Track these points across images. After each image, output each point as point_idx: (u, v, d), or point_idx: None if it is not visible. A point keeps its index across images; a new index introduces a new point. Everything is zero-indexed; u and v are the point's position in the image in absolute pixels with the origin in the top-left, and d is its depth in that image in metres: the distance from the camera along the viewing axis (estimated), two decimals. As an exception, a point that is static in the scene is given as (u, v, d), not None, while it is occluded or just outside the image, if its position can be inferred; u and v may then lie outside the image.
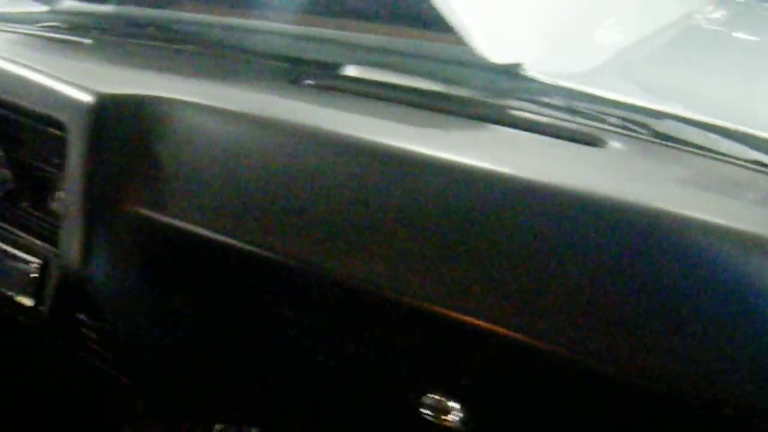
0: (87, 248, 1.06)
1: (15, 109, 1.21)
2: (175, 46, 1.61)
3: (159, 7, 1.75)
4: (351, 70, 1.36)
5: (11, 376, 1.63)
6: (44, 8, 1.85)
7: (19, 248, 1.48)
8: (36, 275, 1.45)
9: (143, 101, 1.09)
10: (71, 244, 1.06)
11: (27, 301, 1.46)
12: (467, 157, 1.01)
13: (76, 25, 1.72)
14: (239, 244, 1.02)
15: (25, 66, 1.23)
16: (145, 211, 1.07)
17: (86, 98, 1.09)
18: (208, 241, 1.04)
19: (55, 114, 1.11)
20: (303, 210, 1.04)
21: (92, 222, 1.05)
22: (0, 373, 1.66)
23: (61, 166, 1.37)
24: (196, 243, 1.04)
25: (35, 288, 1.45)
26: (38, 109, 1.14)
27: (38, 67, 1.23)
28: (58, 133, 1.19)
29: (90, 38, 1.61)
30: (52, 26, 1.70)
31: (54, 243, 1.40)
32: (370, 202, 1.03)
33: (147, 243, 1.06)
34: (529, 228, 0.94)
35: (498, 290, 0.94)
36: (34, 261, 1.45)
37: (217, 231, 1.04)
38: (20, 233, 1.47)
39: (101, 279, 1.06)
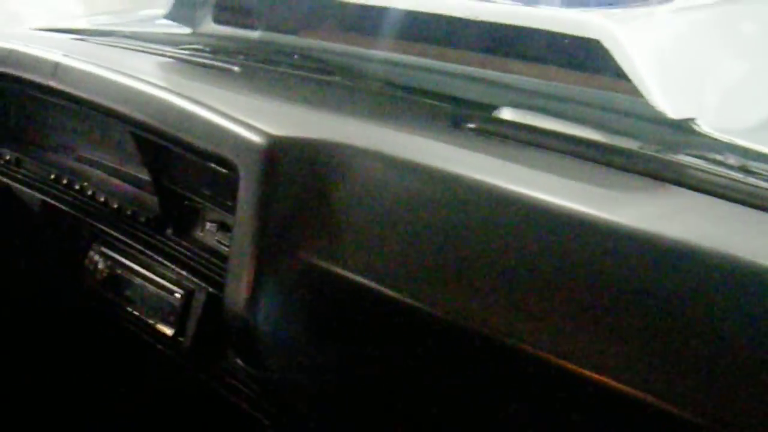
0: (252, 292, 1.03)
1: (177, 142, 1.19)
2: (319, 77, 1.58)
3: (304, 35, 1.70)
4: (513, 114, 1.30)
5: (143, 401, 1.61)
6: (186, 30, 1.83)
7: (163, 277, 1.45)
8: (179, 306, 1.42)
9: (316, 145, 1.07)
10: (237, 286, 1.03)
11: (167, 330, 1.44)
12: (641, 221, 0.96)
13: (219, 49, 1.70)
14: (406, 299, 0.98)
15: (190, 99, 1.21)
16: (311, 258, 1.03)
17: (261, 141, 1.07)
18: (373, 292, 1.00)
19: (227, 155, 1.08)
20: (469, 267, 1.00)
21: (260, 266, 1.02)
22: (132, 395, 1.62)
23: (214, 200, 1.35)
24: (360, 293, 1.01)
25: (177, 318, 1.42)
26: (208, 147, 1.11)
27: (204, 101, 1.20)
28: (223, 171, 1.15)
29: (235, 64, 1.60)
30: (196, 49, 1.68)
31: (197, 274, 1.42)
32: (542, 263, 0.98)
33: (311, 289, 1.04)
34: (711, 303, 0.88)
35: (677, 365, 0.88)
36: (178, 291, 1.42)
37: (383, 283, 1.00)
38: (164, 261, 1.44)
39: (262, 322, 1.02)
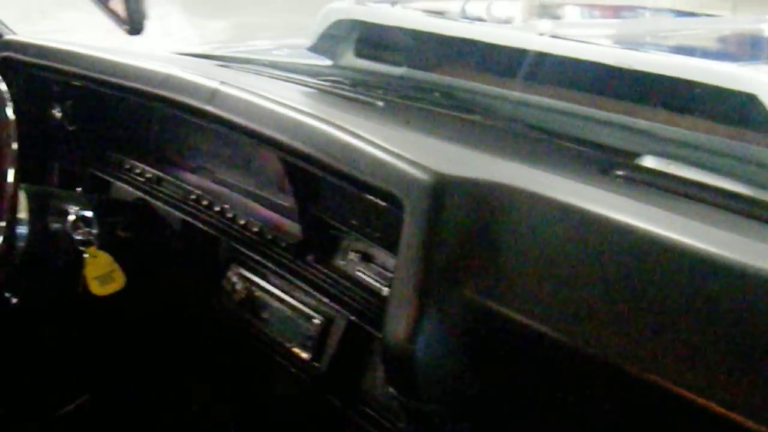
0: (415, 327, 1.05)
1: (339, 174, 1.23)
2: (461, 115, 1.62)
3: (445, 73, 1.74)
4: (656, 163, 1.32)
5: (275, 421, 1.64)
6: (326, 62, 1.88)
7: (301, 302, 1.49)
8: (317, 331, 1.46)
9: (481, 185, 1.09)
10: (399, 320, 1.06)
11: (303, 354, 1.48)
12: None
13: (359, 82, 1.74)
14: (563, 338, 1.00)
15: (354, 133, 1.25)
16: (474, 296, 1.05)
17: (430, 178, 1.10)
18: (533, 331, 1.03)
19: (393, 190, 1.11)
20: (625, 310, 1.02)
21: (423, 302, 1.05)
22: (264, 415, 1.66)
23: (361, 230, 1.39)
24: (521, 331, 1.03)
25: (314, 343, 1.46)
26: (374, 181, 1.15)
27: (366, 136, 1.23)
28: (380, 204, 1.18)
29: (378, 99, 1.63)
30: (338, 82, 1.73)
31: (338, 301, 1.47)
32: (693, 312, 0.99)
33: (472, 325, 1.07)
34: None
35: None
36: (317, 317, 1.46)
37: (543, 322, 1.04)
38: (304, 287, 1.49)
39: (421, 356, 1.05)
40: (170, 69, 1.62)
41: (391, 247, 1.34)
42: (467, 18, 2.20)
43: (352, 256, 1.45)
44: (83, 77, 1.78)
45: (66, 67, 1.81)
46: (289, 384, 1.52)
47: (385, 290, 1.40)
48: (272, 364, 1.54)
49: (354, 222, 1.40)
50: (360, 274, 1.44)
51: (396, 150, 1.17)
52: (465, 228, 1.07)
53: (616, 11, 3.14)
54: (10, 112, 1.47)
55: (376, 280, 1.43)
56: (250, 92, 1.49)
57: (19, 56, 1.89)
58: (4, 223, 1.43)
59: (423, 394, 1.07)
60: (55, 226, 1.63)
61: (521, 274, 1.05)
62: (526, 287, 1.04)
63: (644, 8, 2.84)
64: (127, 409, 1.97)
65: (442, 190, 1.08)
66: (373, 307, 1.41)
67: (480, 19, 2.21)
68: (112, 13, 1.59)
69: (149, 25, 2.00)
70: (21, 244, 1.56)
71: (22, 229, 1.56)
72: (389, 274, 1.40)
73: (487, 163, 1.23)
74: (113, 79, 1.71)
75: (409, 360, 1.04)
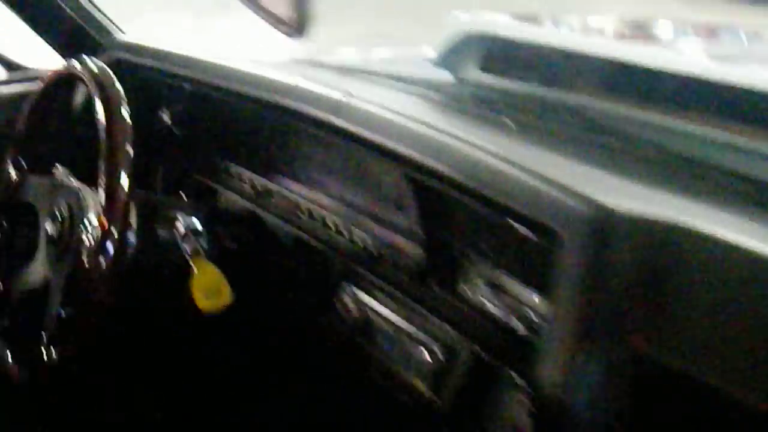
0: (572, 377, 0.94)
1: (482, 199, 1.14)
2: (601, 139, 1.52)
3: (582, 93, 1.62)
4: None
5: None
6: (448, 77, 1.78)
7: (421, 330, 1.39)
8: (438, 363, 1.35)
9: (655, 223, 0.98)
10: (554, 366, 0.96)
11: (422, 388, 1.37)
12: None
13: (484, 99, 1.62)
14: (748, 399, 0.90)
15: (500, 157, 1.14)
16: (641, 346, 0.95)
17: (594, 212, 1.01)
18: (709, 388, 0.95)
19: (548, 222, 1.01)
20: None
21: (582, 348, 0.95)
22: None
23: (495, 259, 1.28)
24: (695, 387, 0.95)
25: (434, 376, 1.36)
26: (525, 211, 1.05)
27: (516, 160, 1.18)
28: (524, 233, 1.07)
29: (505, 117, 1.55)
30: (459, 97, 1.61)
31: (463, 332, 1.36)
32: None
33: (636, 377, 0.97)
34: None
35: None
36: (438, 347, 1.35)
37: (721, 380, 0.95)
38: (425, 313, 1.38)
39: (574, 405, 0.97)
40: (296, 80, 1.55)
41: (530, 280, 1.27)
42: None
43: (480, 284, 1.35)
44: (199, 82, 1.70)
45: (181, 72, 1.74)
46: (403, 419, 1.41)
47: (519, 325, 1.30)
48: (385, 394, 1.43)
49: (485, 248, 1.30)
50: (489, 304, 1.33)
51: (555, 178, 1.05)
52: (634, 270, 0.96)
53: (713, 31, 2.96)
54: (126, 114, 1.38)
55: (508, 314, 1.32)
56: (380, 105, 1.39)
57: (134, 58, 1.82)
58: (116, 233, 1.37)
59: None
60: (164, 234, 1.54)
61: (697, 326, 0.92)
62: (702, 341, 0.92)
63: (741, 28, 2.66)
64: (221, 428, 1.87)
65: (610, 227, 0.98)
66: (503, 342, 1.31)
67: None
68: (269, 14, 1.51)
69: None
70: (129, 251, 1.46)
71: (131, 237, 1.46)
72: (525, 309, 1.30)
73: (652, 197, 1.13)
74: (231, 86, 1.64)
75: (562, 412, 0.93)
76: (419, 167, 1.31)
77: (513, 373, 1.23)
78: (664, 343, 0.93)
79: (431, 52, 1.81)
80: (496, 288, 1.35)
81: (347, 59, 2.05)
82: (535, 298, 1.27)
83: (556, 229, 1.01)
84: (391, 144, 1.34)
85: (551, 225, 1.02)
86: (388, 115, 1.37)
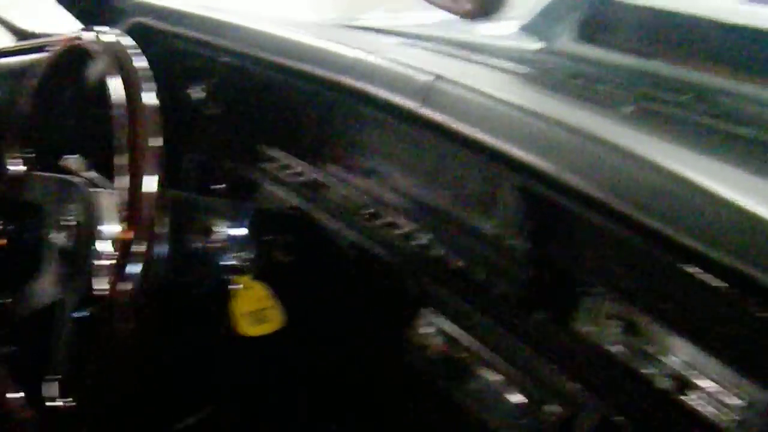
0: None
1: (626, 221, 0.89)
2: (726, 126, 1.17)
3: (701, 67, 1.26)
4: None
5: None
6: (536, 45, 1.43)
7: (523, 374, 1.11)
8: (554, 422, 1.03)
9: None
10: None
11: None
12: None
13: (580, 74, 1.27)
14: None
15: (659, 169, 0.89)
16: None
17: None
18: None
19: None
20: None
21: None
22: None
23: (627, 291, 0.99)
24: None
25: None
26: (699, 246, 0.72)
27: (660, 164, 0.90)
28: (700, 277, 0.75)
29: (622, 101, 1.21)
30: (549, 70, 1.33)
31: (584, 382, 1.08)
32: None
33: None
34: None
35: None
36: (551, 402, 1.06)
37: None
38: (532, 355, 1.06)
39: None
40: (377, 59, 1.26)
41: (680, 323, 0.99)
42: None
43: (609, 323, 0.99)
44: (239, 53, 1.36)
45: (217, 40, 1.40)
46: None
47: (663, 380, 1.01)
48: None
49: (619, 281, 0.95)
50: (621, 349, 0.98)
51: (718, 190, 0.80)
52: None
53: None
54: (152, 98, 1.11)
55: (647, 363, 1.03)
56: (473, 89, 1.11)
57: (160, 24, 1.47)
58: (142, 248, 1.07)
59: None
60: (199, 246, 1.20)
61: None
62: None
63: None
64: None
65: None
66: (639, 401, 1.02)
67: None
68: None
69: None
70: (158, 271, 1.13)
71: (160, 253, 1.13)
72: (673, 360, 1.02)
73: None
74: (277, 59, 1.29)
75: None
76: (534, 173, 1.02)
77: None
78: None
79: (523, 18, 1.45)
80: (632, 330, 1.00)
81: (397, 24, 1.67)
82: (693, 351, 0.99)
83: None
84: (493, 141, 0.98)
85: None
86: (486, 102, 1.03)
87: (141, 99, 1.08)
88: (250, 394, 1.66)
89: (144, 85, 1.09)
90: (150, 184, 1.08)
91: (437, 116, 1.09)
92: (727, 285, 0.81)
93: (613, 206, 0.89)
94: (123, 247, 1.05)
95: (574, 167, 0.95)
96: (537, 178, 1.00)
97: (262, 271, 1.30)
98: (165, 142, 1.07)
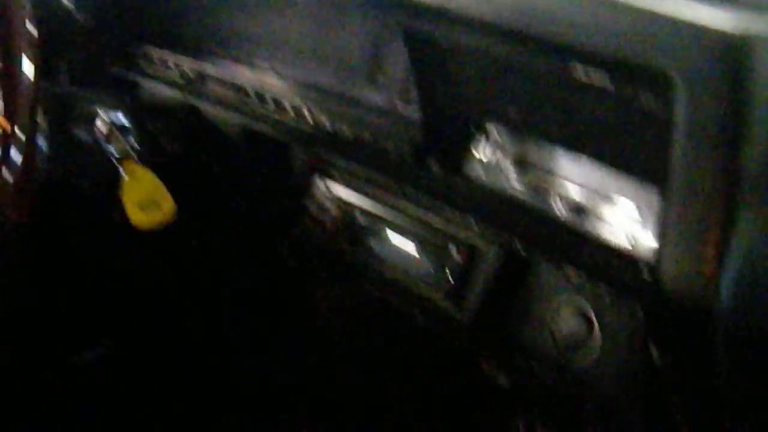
0: (718, 266, 0.66)
1: (542, 42, 0.80)
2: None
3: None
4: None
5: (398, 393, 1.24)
6: None
7: (426, 227, 1.15)
8: (454, 266, 1.04)
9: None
10: (690, 256, 0.70)
11: (435, 297, 1.14)
12: None
13: None
14: None
15: None
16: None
17: (722, 40, 0.68)
18: None
19: (658, 62, 0.70)
20: None
21: (733, 227, 0.69)
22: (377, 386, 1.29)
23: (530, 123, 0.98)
24: None
25: (450, 282, 1.13)
26: (619, 52, 0.74)
27: None
28: (602, 84, 0.77)
29: None
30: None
31: (484, 224, 1.08)
32: None
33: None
34: None
35: None
36: (453, 245, 1.12)
37: None
38: (431, 204, 1.07)
39: (726, 308, 0.69)
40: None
41: (569, 139, 0.98)
42: None
43: (501, 161, 1.00)
44: None
45: None
46: (417, 338, 1.09)
47: (559, 207, 1.03)
48: (385, 312, 1.11)
49: (513, 113, 0.95)
50: (513, 186, 1.00)
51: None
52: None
53: None
54: None
55: (539, 193, 1.05)
56: None
57: None
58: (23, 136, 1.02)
59: (721, 362, 0.64)
60: (82, 135, 1.16)
61: None
62: None
63: None
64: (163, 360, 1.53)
65: (750, 52, 0.66)
66: (536, 227, 1.03)
67: None
68: None
69: None
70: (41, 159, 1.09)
71: (40, 141, 1.09)
72: (561, 186, 1.03)
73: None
74: None
75: (705, 315, 0.61)
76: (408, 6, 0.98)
77: (567, 268, 0.98)
78: None
79: None
80: (523, 163, 1.02)
81: None
82: (591, 174, 1.00)
83: (669, 70, 0.67)
84: None
85: (664, 65, 0.68)
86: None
87: None
88: (148, 324, 1.62)
89: None
90: (28, 70, 1.01)
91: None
92: (613, 81, 0.80)
93: (494, 19, 0.87)
94: (3, 134, 0.99)
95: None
96: (422, 13, 0.97)
97: (149, 160, 1.25)
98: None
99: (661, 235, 0.69)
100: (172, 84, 1.44)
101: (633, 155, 0.87)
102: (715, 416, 0.74)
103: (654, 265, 0.68)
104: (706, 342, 0.67)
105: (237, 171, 1.33)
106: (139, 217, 1.22)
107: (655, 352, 0.74)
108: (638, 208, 0.92)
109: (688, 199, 0.67)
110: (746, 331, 0.65)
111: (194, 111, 1.37)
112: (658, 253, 0.68)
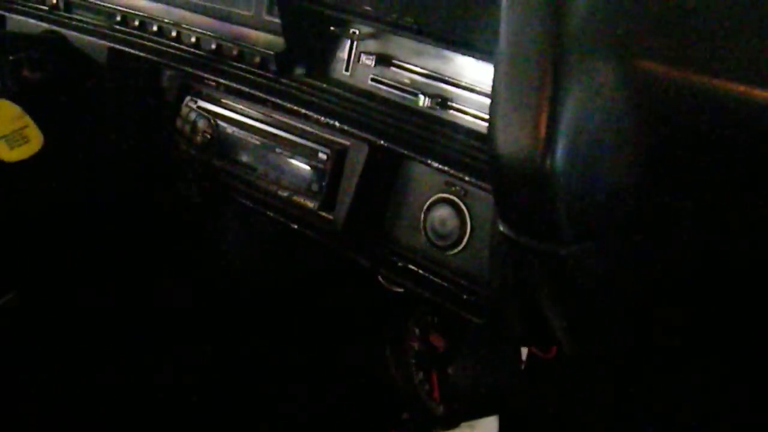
0: (552, 128, 0.66)
1: None
2: None
3: None
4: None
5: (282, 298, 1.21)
6: None
7: (295, 132, 1.11)
8: (325, 168, 1.03)
9: None
10: (522, 123, 0.69)
11: (307, 203, 1.09)
12: None
13: None
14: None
15: None
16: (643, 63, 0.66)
17: None
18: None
19: None
20: None
21: (561, 81, 0.66)
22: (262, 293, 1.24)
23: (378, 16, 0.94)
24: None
25: (324, 185, 1.10)
26: None
27: None
28: None
29: None
30: None
31: (351, 124, 1.05)
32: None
33: (645, 109, 0.67)
34: None
35: None
36: (321, 149, 1.04)
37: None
38: (297, 110, 1.05)
39: (563, 172, 0.65)
40: None
41: (434, 32, 0.96)
42: None
43: (364, 61, 0.99)
44: None
45: None
46: (293, 245, 1.07)
47: (422, 101, 1.01)
48: (261, 222, 1.09)
49: (368, 7, 0.93)
50: (377, 84, 0.98)
51: None
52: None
53: None
54: None
55: (402, 90, 1.04)
56: None
57: None
58: None
59: (564, 228, 0.63)
60: None
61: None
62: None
63: None
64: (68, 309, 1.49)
65: None
66: (402, 124, 1.02)
67: None
68: None
69: None
70: None
71: None
72: (423, 80, 1.02)
73: None
74: None
75: (543, 180, 0.60)
76: None
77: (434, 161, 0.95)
78: (673, 53, 0.60)
79: None
80: (385, 60, 0.99)
81: None
82: (452, 66, 0.99)
83: None
84: None
85: None
86: None
87: None
88: (51, 273, 1.58)
89: None
90: None
91: None
92: None
93: None
94: None
95: None
96: None
97: (12, 91, 1.21)
98: None
99: (491, 110, 0.67)
100: (37, 15, 1.39)
101: (478, 36, 0.86)
102: (568, 284, 0.73)
103: (490, 141, 0.67)
104: (545, 211, 0.66)
105: (104, 97, 1.28)
106: (5, 151, 1.18)
107: (503, 227, 0.73)
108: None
109: (516, 66, 0.65)
110: (580, 196, 0.64)
111: (60, 40, 1.32)
112: (490, 128, 0.67)
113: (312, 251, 1.14)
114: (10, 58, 1.23)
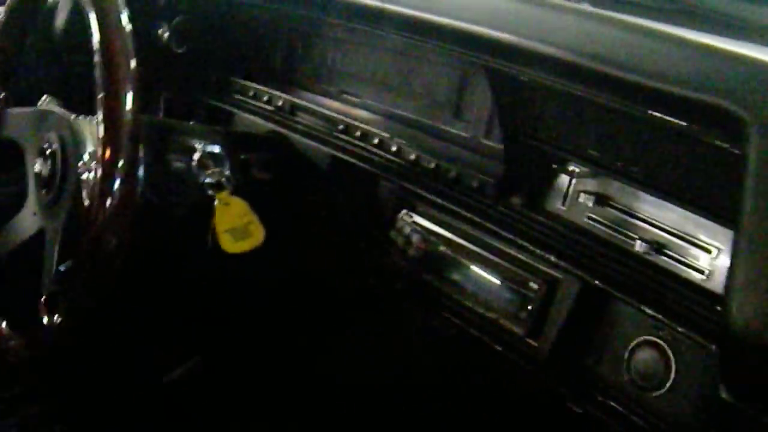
0: None
1: (624, 85, 0.82)
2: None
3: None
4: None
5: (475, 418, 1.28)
6: None
7: (508, 259, 1.15)
8: (535, 298, 1.06)
9: None
10: (759, 296, 0.64)
11: (515, 328, 1.09)
12: None
13: None
14: None
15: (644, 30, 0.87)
16: None
17: None
18: None
19: (728, 105, 0.70)
20: None
21: None
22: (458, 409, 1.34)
23: (606, 162, 0.98)
24: None
25: (531, 313, 1.14)
26: (695, 94, 0.74)
27: (664, 31, 0.91)
28: (677, 123, 0.78)
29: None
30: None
31: (564, 259, 1.10)
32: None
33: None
34: None
35: None
36: (533, 279, 1.08)
37: None
38: (512, 238, 1.09)
39: None
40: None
41: (660, 184, 1.00)
42: None
43: (581, 198, 1.03)
44: None
45: None
46: (494, 368, 1.12)
47: (638, 245, 1.05)
48: (467, 342, 1.14)
49: (593, 151, 0.98)
50: (593, 223, 1.03)
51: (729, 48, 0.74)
52: None
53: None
54: (126, 22, 1.08)
55: (618, 231, 1.08)
56: None
57: None
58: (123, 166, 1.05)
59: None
60: (178, 165, 1.22)
61: None
62: None
63: None
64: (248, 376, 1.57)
65: None
66: (616, 265, 1.06)
67: None
68: None
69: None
70: (139, 188, 1.14)
71: (140, 171, 1.14)
72: (640, 224, 1.06)
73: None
74: None
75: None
76: (502, 47, 1.02)
77: (645, 305, 1.00)
78: None
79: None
80: (603, 202, 1.03)
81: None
82: (670, 214, 1.02)
83: (740, 112, 0.70)
84: (457, 23, 1.02)
85: (733, 109, 0.70)
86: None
87: (117, 23, 1.08)
88: (236, 342, 1.68)
89: (119, 11, 1.08)
90: (128, 101, 1.06)
91: (401, 9, 1.10)
92: (692, 123, 0.82)
93: (575, 61, 0.90)
94: (104, 167, 1.04)
95: (537, 35, 0.98)
96: (504, 53, 1.01)
97: (241, 188, 1.31)
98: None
99: (732, 276, 0.71)
100: (264, 115, 1.50)
101: (708, 195, 0.89)
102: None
103: (727, 306, 0.70)
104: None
105: (325, 200, 1.37)
106: (231, 245, 1.27)
107: (725, 390, 0.75)
108: (715, 248, 0.94)
109: (759, 240, 0.69)
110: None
111: (285, 141, 1.42)
112: (729, 293, 0.70)
113: (499, 372, 1.17)
114: (242, 157, 1.32)
